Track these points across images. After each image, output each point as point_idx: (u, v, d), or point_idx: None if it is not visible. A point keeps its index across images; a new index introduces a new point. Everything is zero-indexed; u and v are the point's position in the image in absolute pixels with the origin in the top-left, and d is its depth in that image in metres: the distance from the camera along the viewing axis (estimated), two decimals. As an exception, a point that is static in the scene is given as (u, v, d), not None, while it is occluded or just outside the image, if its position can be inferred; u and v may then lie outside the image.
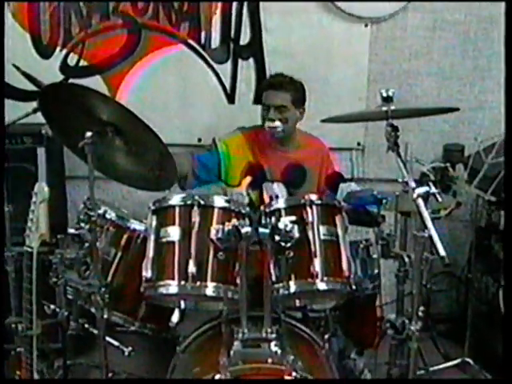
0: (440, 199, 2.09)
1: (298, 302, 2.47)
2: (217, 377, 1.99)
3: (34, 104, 2.43)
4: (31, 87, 3.17)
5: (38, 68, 3.25)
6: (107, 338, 2.36)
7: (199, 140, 3.45)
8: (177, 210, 2.24)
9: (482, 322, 3.28)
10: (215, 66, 3.41)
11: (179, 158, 2.69)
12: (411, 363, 2.27)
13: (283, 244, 2.15)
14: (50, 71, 3.31)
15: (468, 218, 3.41)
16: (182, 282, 2.14)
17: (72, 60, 3.36)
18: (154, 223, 2.26)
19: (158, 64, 3.38)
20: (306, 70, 3.11)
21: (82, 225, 2.36)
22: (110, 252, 2.48)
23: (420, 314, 2.22)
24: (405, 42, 3.52)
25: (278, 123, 2.89)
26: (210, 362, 2.11)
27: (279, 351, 2.08)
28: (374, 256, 2.60)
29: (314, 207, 2.26)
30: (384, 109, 2.23)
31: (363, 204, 2.63)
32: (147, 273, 2.20)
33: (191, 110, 3.46)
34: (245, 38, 3.40)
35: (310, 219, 2.24)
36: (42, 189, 2.17)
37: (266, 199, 2.92)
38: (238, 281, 2.13)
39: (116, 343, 2.47)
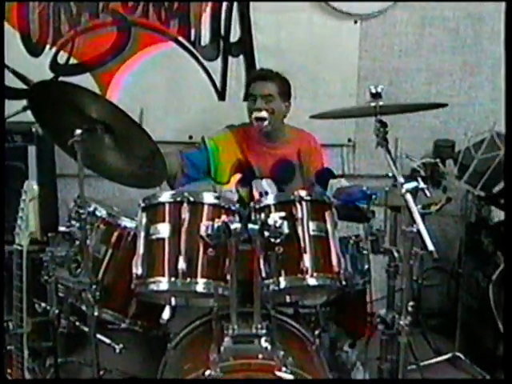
0: (429, 194, 2.10)
1: (288, 298, 2.47)
2: (207, 373, 1.99)
3: (24, 102, 2.43)
4: (21, 85, 3.18)
5: (28, 66, 3.25)
6: (98, 336, 2.36)
7: (190, 137, 3.44)
8: (166, 206, 2.24)
9: (472, 316, 3.30)
10: (205, 63, 3.41)
11: (169, 157, 2.69)
12: (401, 357, 2.28)
13: (273, 240, 2.15)
14: (39, 69, 3.31)
15: (458, 214, 3.43)
16: (173, 279, 2.14)
17: (62, 58, 3.36)
18: (144, 220, 2.26)
19: (148, 61, 3.39)
20: (296, 66, 3.12)
21: (73, 223, 2.35)
22: (100, 249, 2.48)
23: (410, 308, 2.22)
24: (394, 38, 3.53)
25: (264, 113, 2.89)
26: (201, 358, 2.11)
27: (269, 347, 2.09)
28: (364, 252, 2.60)
29: (304, 203, 2.26)
30: (373, 104, 2.24)
31: (353, 200, 2.63)
32: (137, 270, 2.21)
33: (182, 108, 3.47)
34: (235, 35, 3.41)
35: (300, 215, 2.24)
36: (31, 187, 2.18)
37: (256, 196, 2.92)
38: (228, 277, 2.13)
39: (107, 340, 2.47)
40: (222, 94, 3.46)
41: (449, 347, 3.28)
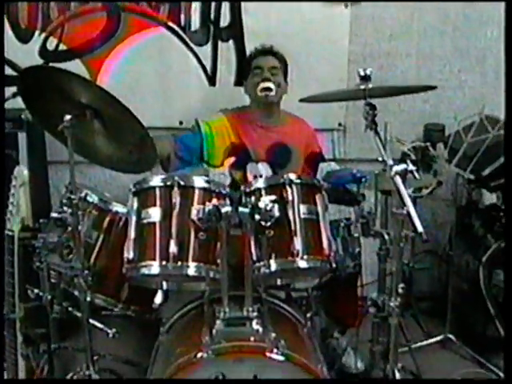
0: (418, 176, 2.11)
1: (279, 281, 2.47)
2: (199, 355, 2.01)
3: (14, 89, 2.42)
4: (10, 72, 3.17)
5: (17, 52, 3.23)
6: (91, 321, 2.38)
7: (180, 123, 3.43)
8: (157, 191, 2.24)
9: (462, 298, 3.33)
10: (195, 48, 3.39)
11: (160, 141, 2.70)
12: (392, 339, 2.30)
13: (263, 223, 2.16)
14: (28, 56, 3.27)
15: (449, 197, 3.44)
16: (164, 263, 2.15)
17: (51, 44, 3.32)
18: (135, 205, 2.27)
19: (138, 47, 3.36)
20: (286, 51, 3.09)
21: (65, 209, 2.35)
22: (92, 235, 2.49)
23: (400, 290, 2.25)
24: (385, 22, 3.52)
25: (272, 84, 2.92)
26: (194, 341, 2.13)
27: (261, 329, 2.11)
28: (355, 235, 2.61)
29: (294, 186, 2.27)
30: (362, 87, 2.25)
31: (343, 183, 2.65)
32: (129, 254, 2.21)
33: (172, 93, 3.45)
34: (225, 20, 3.38)
35: (290, 198, 2.25)
36: (21, 172, 2.18)
37: (250, 179, 2.92)
38: (219, 261, 2.15)
39: (100, 325, 2.47)
40: (212, 79, 3.44)
41: (440, 329, 3.29)
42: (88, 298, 2.32)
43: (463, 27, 3.56)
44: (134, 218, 2.25)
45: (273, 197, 2.19)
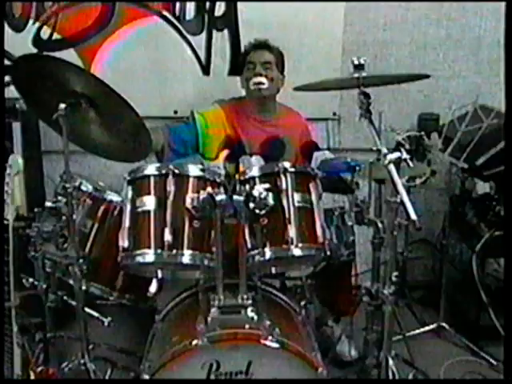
0: (412, 164, 2.12)
1: (273, 269, 2.48)
2: (194, 342, 2.03)
3: (7, 78, 2.42)
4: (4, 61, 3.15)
5: (10, 41, 3.21)
6: (86, 310, 2.38)
7: (175, 112, 3.43)
8: (152, 179, 2.25)
9: (456, 287, 3.35)
10: (190, 37, 3.38)
11: (155, 133, 2.69)
12: (386, 327, 2.32)
13: (258, 211, 2.16)
14: (22, 45, 3.26)
15: (443, 186, 3.45)
16: (159, 251, 2.15)
17: (45, 33, 3.31)
18: (130, 193, 2.27)
19: (132, 36, 3.35)
20: (280, 41, 3.09)
21: (59, 198, 2.35)
22: (86, 224, 2.49)
23: (394, 278, 2.26)
24: (379, 12, 3.52)
25: (264, 79, 2.91)
26: (189, 329, 2.14)
27: (255, 317, 2.12)
28: (349, 223, 2.63)
29: (288, 175, 2.27)
30: (355, 76, 2.25)
31: (337, 171, 2.66)
32: (124, 242, 2.21)
33: (166, 82, 3.45)
34: (219, 10, 3.38)
35: (284, 186, 2.25)
36: (16, 161, 2.18)
37: (243, 171, 2.92)
38: (214, 249, 2.15)
39: (95, 314, 2.48)
40: (206, 69, 3.44)
41: (433, 318, 3.31)
42: (83, 287, 2.32)
43: (457, 17, 3.56)
44: (128, 207, 2.25)
45: (267, 185, 2.19)
